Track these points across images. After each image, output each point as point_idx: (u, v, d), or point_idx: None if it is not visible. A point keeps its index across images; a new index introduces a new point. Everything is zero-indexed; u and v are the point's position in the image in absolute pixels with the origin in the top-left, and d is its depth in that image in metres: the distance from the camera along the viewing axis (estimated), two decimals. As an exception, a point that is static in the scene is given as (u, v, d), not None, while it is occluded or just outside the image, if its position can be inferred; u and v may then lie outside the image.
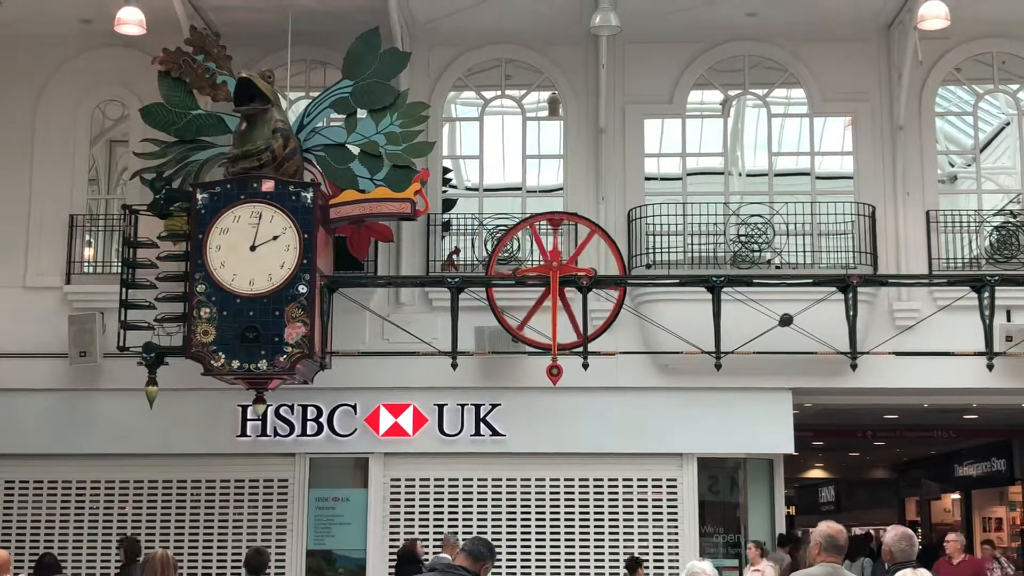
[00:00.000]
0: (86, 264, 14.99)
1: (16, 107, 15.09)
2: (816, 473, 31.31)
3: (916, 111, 14.93)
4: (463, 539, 11.78)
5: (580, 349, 12.32)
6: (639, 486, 14.60)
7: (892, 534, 7.38)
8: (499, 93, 15.46)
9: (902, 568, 7.05)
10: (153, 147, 13.53)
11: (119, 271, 13.35)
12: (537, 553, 14.45)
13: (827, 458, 28.92)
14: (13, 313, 14.55)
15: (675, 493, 14.58)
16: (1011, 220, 14.62)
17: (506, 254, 14.37)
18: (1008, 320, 13.61)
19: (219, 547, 14.42)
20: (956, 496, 26.66)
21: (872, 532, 28.88)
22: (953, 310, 13.09)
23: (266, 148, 12.39)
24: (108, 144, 15.85)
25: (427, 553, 13.57)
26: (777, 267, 14.20)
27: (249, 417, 14.31)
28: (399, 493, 14.61)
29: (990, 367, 12.19)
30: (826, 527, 7.14)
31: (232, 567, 14.26)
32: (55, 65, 15.20)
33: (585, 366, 12.24)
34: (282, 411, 14.43)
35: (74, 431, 14.40)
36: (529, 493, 14.60)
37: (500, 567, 14.21)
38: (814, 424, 18.31)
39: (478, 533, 6.09)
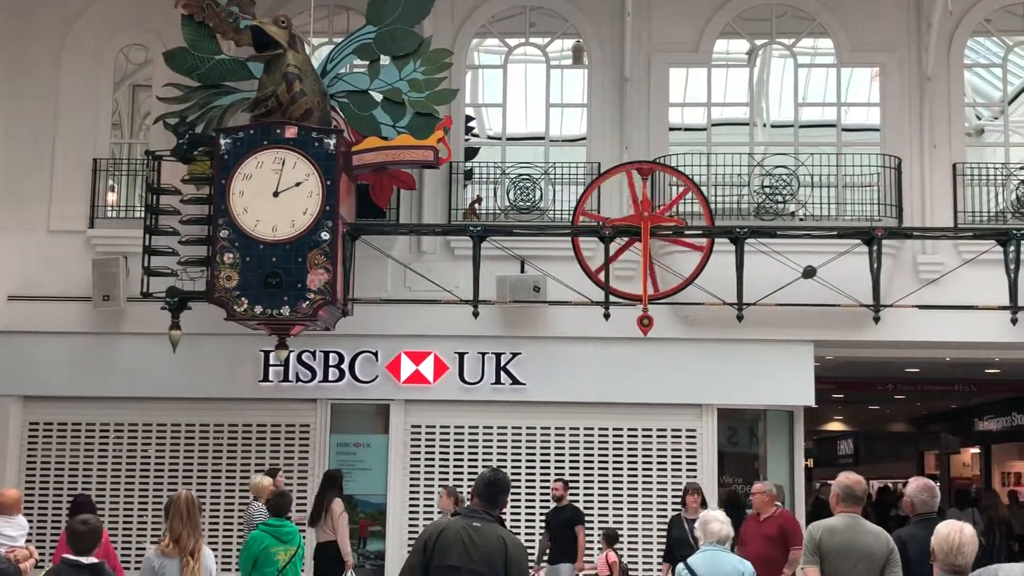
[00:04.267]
0: (109, 208, 15.04)
1: (40, 52, 15.07)
2: (835, 426, 31.35)
3: (944, 62, 14.76)
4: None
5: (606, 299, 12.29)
6: (658, 436, 14.65)
7: (914, 485, 7.43)
8: (523, 41, 15.35)
9: (925, 520, 7.10)
10: (176, 92, 13.51)
11: (142, 216, 13.38)
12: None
13: (847, 411, 28.93)
14: (38, 257, 14.64)
15: (694, 444, 14.62)
16: (1038, 174, 14.47)
17: (529, 203, 14.35)
18: (1033, 274, 13.50)
19: (242, 490, 14.54)
20: (976, 451, 26.68)
21: (890, 485, 29.02)
22: (978, 264, 12.98)
23: (272, 94, 12.29)
24: (131, 89, 15.84)
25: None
26: (801, 219, 14.11)
27: (271, 363, 14.41)
28: (419, 440, 14.70)
29: (1014, 321, 12.11)
30: (844, 478, 7.21)
31: (254, 510, 14.38)
32: (79, 10, 15.17)
33: (606, 316, 12.20)
34: (304, 357, 14.51)
35: (98, 374, 14.53)
36: (548, 442, 14.67)
37: (519, 516, 14.32)
38: (835, 377, 18.29)
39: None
